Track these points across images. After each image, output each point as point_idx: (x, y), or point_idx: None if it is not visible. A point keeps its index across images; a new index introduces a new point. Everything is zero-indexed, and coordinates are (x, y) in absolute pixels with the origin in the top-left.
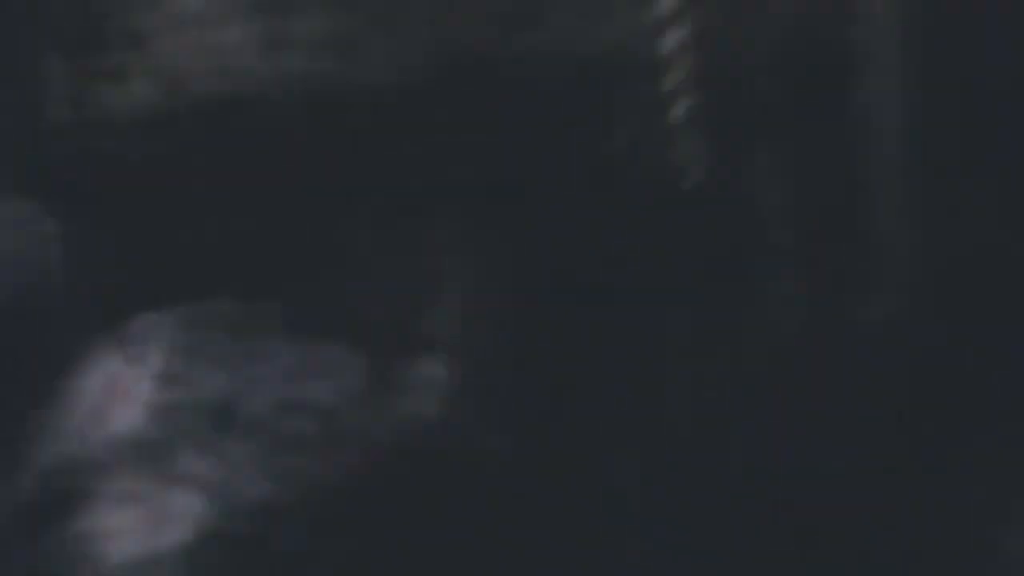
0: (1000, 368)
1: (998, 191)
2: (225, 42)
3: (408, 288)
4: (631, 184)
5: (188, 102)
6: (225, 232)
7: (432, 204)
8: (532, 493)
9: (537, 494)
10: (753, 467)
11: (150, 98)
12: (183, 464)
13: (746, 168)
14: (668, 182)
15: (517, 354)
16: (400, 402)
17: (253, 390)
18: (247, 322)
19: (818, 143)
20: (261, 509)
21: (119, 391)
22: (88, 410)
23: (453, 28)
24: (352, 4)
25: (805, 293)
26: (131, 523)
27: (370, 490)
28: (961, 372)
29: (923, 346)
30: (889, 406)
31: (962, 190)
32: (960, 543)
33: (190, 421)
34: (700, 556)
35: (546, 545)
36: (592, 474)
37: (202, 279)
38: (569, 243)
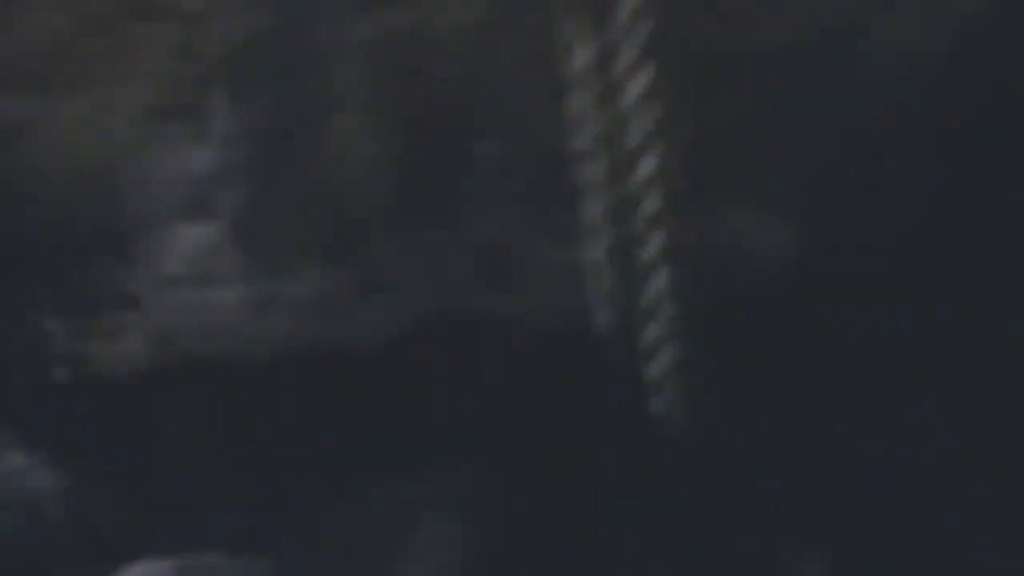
0: None
1: None
2: (215, 303)
3: (394, 545)
4: (612, 437)
5: (179, 360)
6: (215, 486)
7: (415, 461)
8: None
9: None
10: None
11: (143, 356)
12: None
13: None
14: (650, 432)
15: None
16: None
17: None
18: (235, 575)
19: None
20: None
21: None
22: None
23: (433, 292)
24: (337, 269)
25: None
26: None
27: None
28: None
29: None
30: None
31: None
32: None
33: None
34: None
35: None
36: None
37: (193, 532)
38: (551, 497)
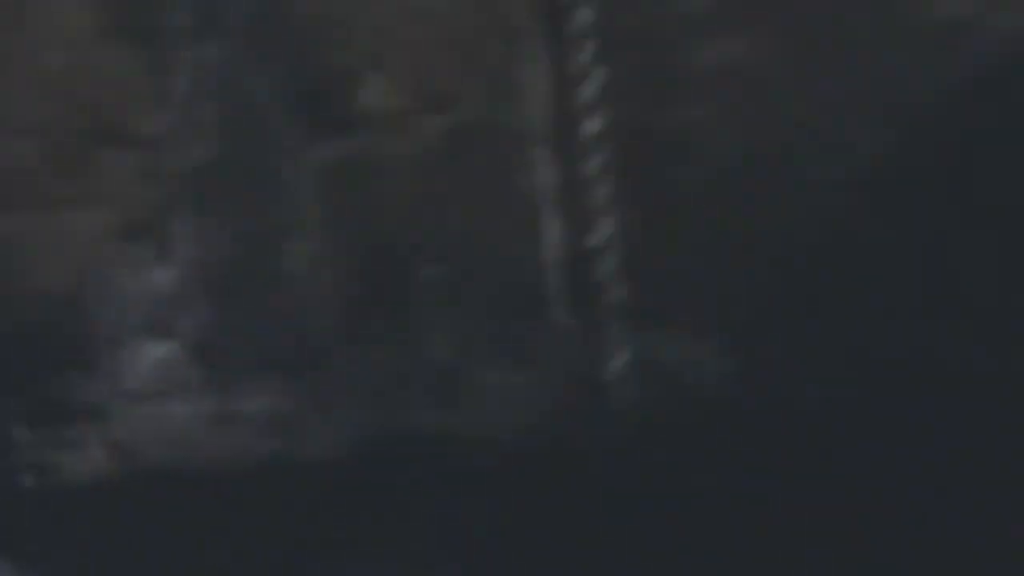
0: None
1: None
2: (175, 417)
3: None
4: (565, 546)
5: (140, 471)
6: None
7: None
8: None
9: None
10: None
11: (106, 466)
12: None
13: None
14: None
15: None
16: None
17: None
18: None
19: None
20: None
21: None
22: None
23: (383, 410)
24: (293, 386)
25: None
26: None
27: None
28: None
29: None
30: None
31: None
32: None
33: None
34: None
35: None
36: None
37: None
38: None
